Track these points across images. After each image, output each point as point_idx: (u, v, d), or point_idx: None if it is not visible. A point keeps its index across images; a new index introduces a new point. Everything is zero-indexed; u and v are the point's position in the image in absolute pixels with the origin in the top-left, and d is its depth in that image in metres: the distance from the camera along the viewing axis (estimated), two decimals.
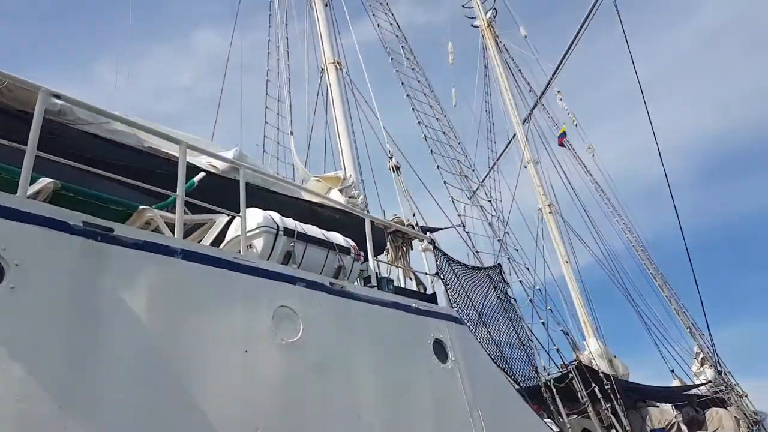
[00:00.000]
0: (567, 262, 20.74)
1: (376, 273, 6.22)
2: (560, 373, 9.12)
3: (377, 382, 5.11)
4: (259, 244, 5.00)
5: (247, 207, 5.27)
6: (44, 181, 3.78)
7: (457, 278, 7.37)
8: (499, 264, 8.73)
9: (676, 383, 16.47)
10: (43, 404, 3.01)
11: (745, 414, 15.02)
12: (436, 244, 7.60)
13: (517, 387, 7.68)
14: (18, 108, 4.57)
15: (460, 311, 7.16)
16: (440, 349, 6.05)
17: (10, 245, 3.19)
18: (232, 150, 8.04)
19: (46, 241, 3.37)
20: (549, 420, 9.45)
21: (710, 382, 17.22)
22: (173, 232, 4.19)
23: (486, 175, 21.44)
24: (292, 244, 5.22)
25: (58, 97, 4.16)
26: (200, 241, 4.84)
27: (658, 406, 12.10)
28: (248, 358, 4.06)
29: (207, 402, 3.66)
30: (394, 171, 8.45)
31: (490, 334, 7.51)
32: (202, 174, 4.99)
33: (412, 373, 5.54)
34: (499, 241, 10.60)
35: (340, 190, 10.92)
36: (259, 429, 3.91)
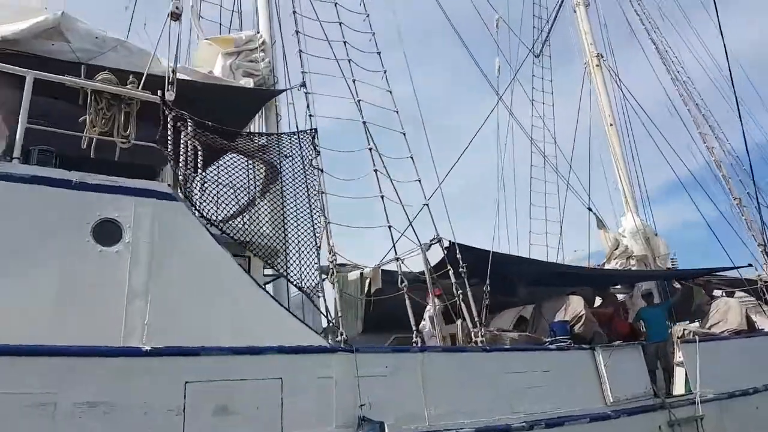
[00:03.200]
0: (612, 125, 17.58)
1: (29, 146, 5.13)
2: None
3: None
4: None
5: None
6: None
7: (200, 149, 6.01)
8: (314, 129, 7.12)
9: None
10: None
11: None
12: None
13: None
14: None
15: (197, 187, 5.91)
16: (109, 230, 5.06)
17: None
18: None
19: None
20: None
21: None
22: None
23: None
24: None
25: None
26: None
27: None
28: None
29: None
30: (170, 17, 6.76)
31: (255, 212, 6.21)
32: None
33: (31, 259, 4.67)
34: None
35: (230, 54, 9.67)
36: None
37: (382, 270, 9.75)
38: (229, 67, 9.39)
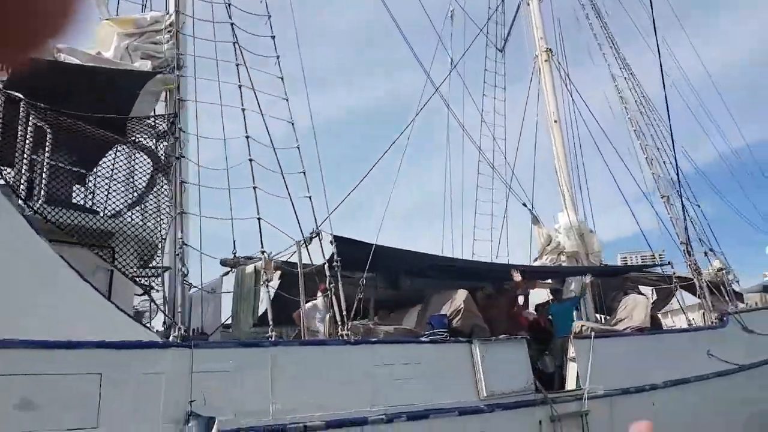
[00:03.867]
0: (556, 121, 17.49)
1: None
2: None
3: None
4: None
5: None
6: None
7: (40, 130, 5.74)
8: (173, 114, 6.89)
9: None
10: None
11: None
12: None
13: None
14: None
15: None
16: None
17: None
18: None
19: None
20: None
21: None
22: None
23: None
24: None
25: None
26: None
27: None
28: None
29: None
30: None
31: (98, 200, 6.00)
32: None
33: None
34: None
35: (129, 35, 9.30)
36: None
37: (284, 262, 9.57)
38: (124, 49, 9.04)
